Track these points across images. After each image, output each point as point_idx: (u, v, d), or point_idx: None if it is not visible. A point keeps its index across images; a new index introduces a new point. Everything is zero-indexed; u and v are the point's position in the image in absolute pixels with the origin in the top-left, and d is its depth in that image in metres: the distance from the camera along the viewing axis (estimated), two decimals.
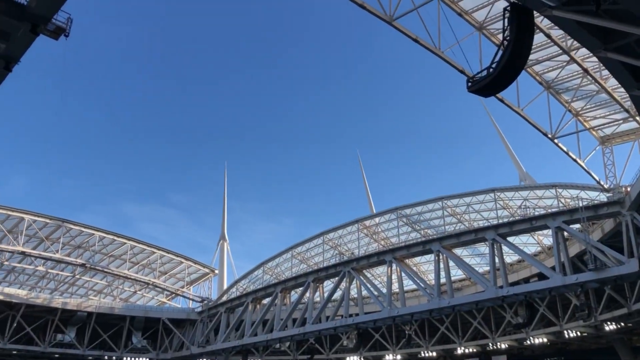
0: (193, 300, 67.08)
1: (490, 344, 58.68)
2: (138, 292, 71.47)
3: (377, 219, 56.52)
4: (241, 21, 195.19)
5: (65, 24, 15.81)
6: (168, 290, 69.46)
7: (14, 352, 57.86)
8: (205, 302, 64.86)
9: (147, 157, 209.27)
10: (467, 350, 60.69)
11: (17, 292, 58.91)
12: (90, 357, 61.56)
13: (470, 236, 41.57)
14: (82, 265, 59.99)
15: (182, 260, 68.12)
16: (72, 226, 58.76)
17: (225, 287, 68.93)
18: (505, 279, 38.06)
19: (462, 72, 27.68)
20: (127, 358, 62.73)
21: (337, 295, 53.52)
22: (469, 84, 20.14)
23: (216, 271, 71.58)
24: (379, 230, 57.37)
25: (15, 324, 56.37)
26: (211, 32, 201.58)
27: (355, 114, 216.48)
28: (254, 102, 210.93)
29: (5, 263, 60.73)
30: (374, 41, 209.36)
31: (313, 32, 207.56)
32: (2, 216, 54.04)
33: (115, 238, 62.34)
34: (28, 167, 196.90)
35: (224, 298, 63.28)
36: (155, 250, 65.50)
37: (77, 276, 66.17)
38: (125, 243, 62.95)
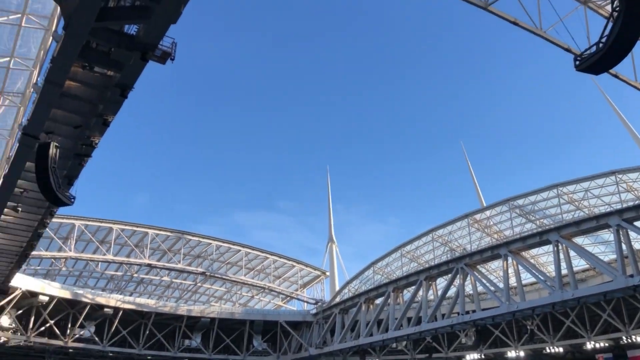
0: (307, 302, 68.60)
1: (625, 338, 54.44)
2: (255, 296, 74.32)
3: (487, 212, 54.49)
4: (340, 22, 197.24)
5: (170, 48, 16.82)
6: (283, 294, 71.56)
7: (149, 357, 62.36)
8: (319, 303, 66.07)
9: (254, 168, 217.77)
10: (597, 345, 56.54)
11: (147, 302, 63.51)
12: None
13: (592, 223, 38.87)
14: (202, 273, 63.37)
15: (294, 263, 69.89)
16: (191, 237, 62.35)
17: (337, 288, 69.76)
18: (635, 267, 35.20)
19: (568, 50, 25.98)
20: None
21: (451, 292, 52.29)
22: (577, 62, 18.94)
23: (327, 273, 72.65)
24: (491, 223, 55.29)
25: (147, 332, 60.77)
26: (307, 33, 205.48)
27: (457, 103, 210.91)
28: (352, 101, 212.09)
29: (135, 275, 65.72)
30: (470, 29, 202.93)
31: (409, 28, 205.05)
32: (128, 232, 58.50)
33: (231, 246, 65.28)
34: (148, 185, 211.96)
35: (337, 299, 64.03)
36: (268, 256, 67.79)
37: (199, 284, 70.12)
38: (240, 250, 65.75)
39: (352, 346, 56.02)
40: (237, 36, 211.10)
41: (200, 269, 62.94)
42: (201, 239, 63.19)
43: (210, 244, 63.61)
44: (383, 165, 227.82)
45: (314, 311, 65.89)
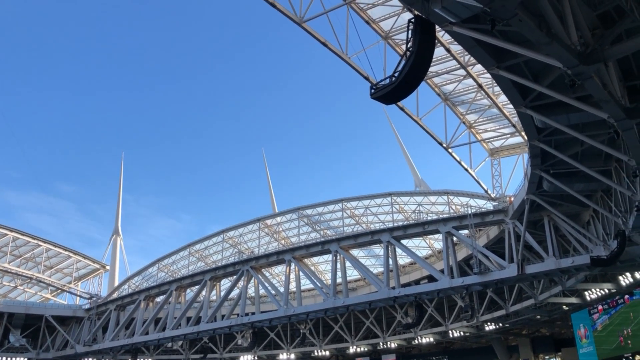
0: (80, 296, 63.58)
1: (381, 343, 60.81)
2: (19, 287, 66.52)
3: (278, 219, 56.61)
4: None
5: None
6: (53, 286, 65.37)
7: None
8: (94, 299, 61.67)
9: (35, 141, 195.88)
10: (358, 349, 62.52)
11: None
12: None
13: (367, 238, 42.65)
14: None
15: (71, 254, 64.41)
16: None
17: (116, 284, 66.06)
18: (397, 280, 39.48)
19: (366, 78, 28.37)
20: (3, 358, 58.31)
21: (235, 294, 53.01)
22: (372, 90, 20.61)
23: (107, 267, 68.39)
24: (280, 229, 57.52)
25: None
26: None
27: (262, 113, 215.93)
28: (155, 94, 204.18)
29: None
30: (283, 40, 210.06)
31: (215, 27, 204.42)
32: None
33: None
34: None
35: (115, 295, 60.59)
36: (40, 243, 61.36)
37: None
38: (6, 234, 58.44)
39: (124, 344, 53.36)
40: None
41: None
42: None
43: None
44: (180, 160, 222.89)
45: (87, 306, 61.36)
